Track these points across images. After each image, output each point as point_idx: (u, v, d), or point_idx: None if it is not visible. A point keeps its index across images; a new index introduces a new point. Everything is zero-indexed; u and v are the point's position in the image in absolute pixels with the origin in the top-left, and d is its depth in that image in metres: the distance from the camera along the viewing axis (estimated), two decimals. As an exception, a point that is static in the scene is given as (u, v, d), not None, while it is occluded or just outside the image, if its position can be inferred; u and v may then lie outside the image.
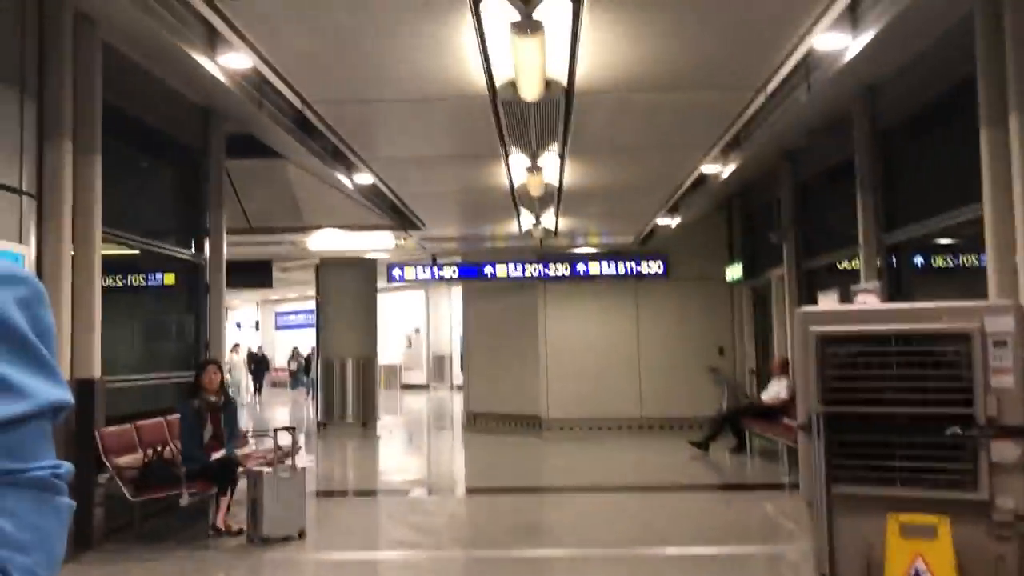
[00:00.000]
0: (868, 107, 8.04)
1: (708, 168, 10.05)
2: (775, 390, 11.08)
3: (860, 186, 8.18)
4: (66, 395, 0.96)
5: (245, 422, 18.29)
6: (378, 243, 14.88)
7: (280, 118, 7.79)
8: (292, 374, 28.42)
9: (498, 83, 6.76)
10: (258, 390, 28.23)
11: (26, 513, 0.89)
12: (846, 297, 8.90)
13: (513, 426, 15.65)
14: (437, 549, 6.90)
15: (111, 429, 6.70)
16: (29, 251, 5.77)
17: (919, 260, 8.40)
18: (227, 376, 22.59)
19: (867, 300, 7.85)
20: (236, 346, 27.13)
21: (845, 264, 9.58)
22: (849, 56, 6.37)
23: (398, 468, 12.87)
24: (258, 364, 28.50)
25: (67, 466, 0.94)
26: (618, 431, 14.69)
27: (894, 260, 8.11)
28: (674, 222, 13.11)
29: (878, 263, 8.06)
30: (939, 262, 8.50)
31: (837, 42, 6.30)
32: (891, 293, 7.88)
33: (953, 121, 7.08)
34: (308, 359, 26.00)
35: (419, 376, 30.80)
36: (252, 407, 24.01)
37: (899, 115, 7.76)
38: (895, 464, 4.10)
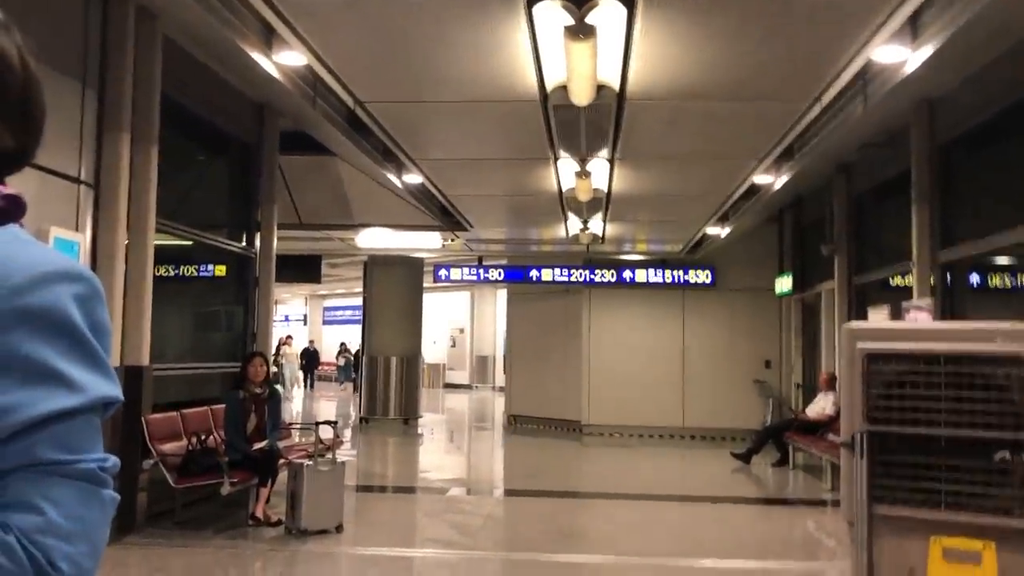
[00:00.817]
0: (927, 120, 7.87)
1: (760, 179, 9.93)
2: (821, 405, 10.91)
3: (916, 201, 8.01)
4: (117, 392, 0.98)
5: (294, 415, 18.55)
6: (425, 243, 14.99)
7: (333, 116, 7.87)
8: (340, 368, 28.77)
9: (549, 87, 6.76)
10: (310, 384, 28.57)
11: (72, 504, 0.91)
12: (897, 314, 8.73)
13: (553, 430, 15.63)
14: (473, 549, 6.91)
15: (157, 416, 6.82)
16: (84, 239, 5.91)
17: (975, 279, 8.21)
18: (276, 368, 22.72)
19: (918, 317, 7.70)
20: (289, 338, 27.31)
21: (898, 280, 9.40)
22: (909, 69, 6.25)
23: (437, 466, 12.92)
24: (310, 359, 28.87)
25: (113, 460, 0.97)
26: (659, 440, 14.59)
27: (948, 278, 7.93)
28: (724, 232, 12.99)
29: (931, 280, 7.89)
30: (996, 282, 8.29)
31: (896, 55, 6.18)
32: (944, 312, 7.70)
33: (1015, 137, 6.90)
34: (357, 355, 26.24)
35: (462, 376, 30.93)
36: (303, 401, 24.23)
37: (959, 129, 7.59)
38: (940, 487, 4.00)
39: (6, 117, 1.02)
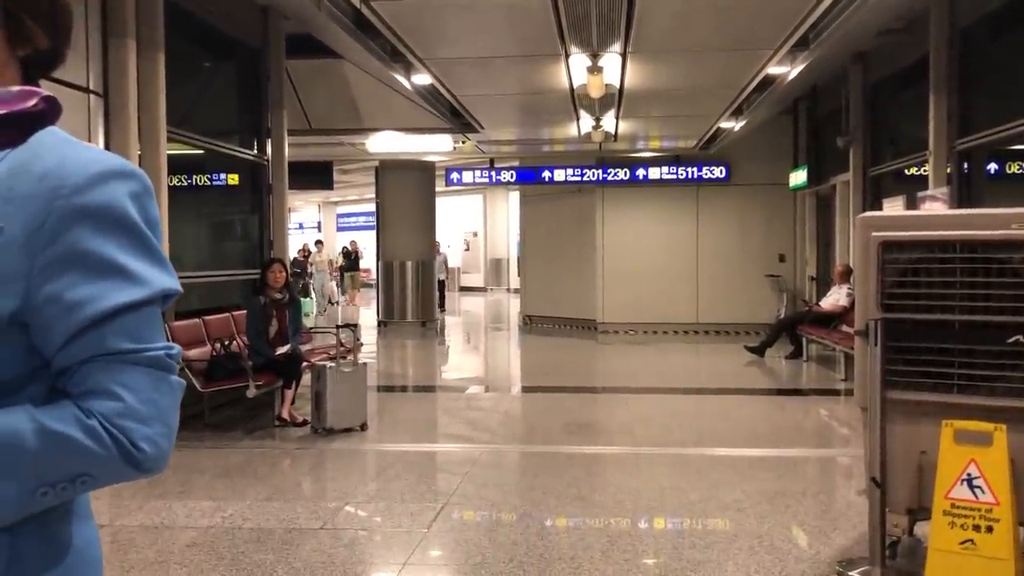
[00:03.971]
0: (946, 3, 7.66)
1: (774, 69, 9.74)
2: (835, 297, 10.97)
3: (934, 88, 7.86)
4: (176, 283, 1.04)
5: (327, 320, 18.49)
6: (436, 146, 14.87)
7: (338, 16, 7.73)
8: (341, 271, 26.88)
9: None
10: (342, 294, 28.06)
11: (146, 389, 0.98)
12: (912, 204, 8.68)
13: (569, 329, 15.81)
14: (493, 443, 7.10)
15: (180, 323, 6.96)
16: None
17: (993, 167, 8.12)
18: (307, 278, 21.10)
19: (934, 207, 7.67)
20: (319, 244, 24.56)
21: (914, 170, 9.31)
22: (929, -51, 6.06)
23: (456, 366, 13.15)
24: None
25: (177, 348, 1.04)
26: (674, 336, 14.75)
27: (966, 166, 7.85)
28: (738, 125, 12.82)
29: (948, 169, 7.81)
30: (1014, 169, 8.20)
31: (917, -67, 5.98)
32: (961, 201, 7.65)
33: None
34: (348, 255, 24.67)
35: (477, 279, 31.12)
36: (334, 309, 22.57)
37: (980, 12, 7.39)
38: (953, 371, 4.07)
39: (38, 15, 1.04)
